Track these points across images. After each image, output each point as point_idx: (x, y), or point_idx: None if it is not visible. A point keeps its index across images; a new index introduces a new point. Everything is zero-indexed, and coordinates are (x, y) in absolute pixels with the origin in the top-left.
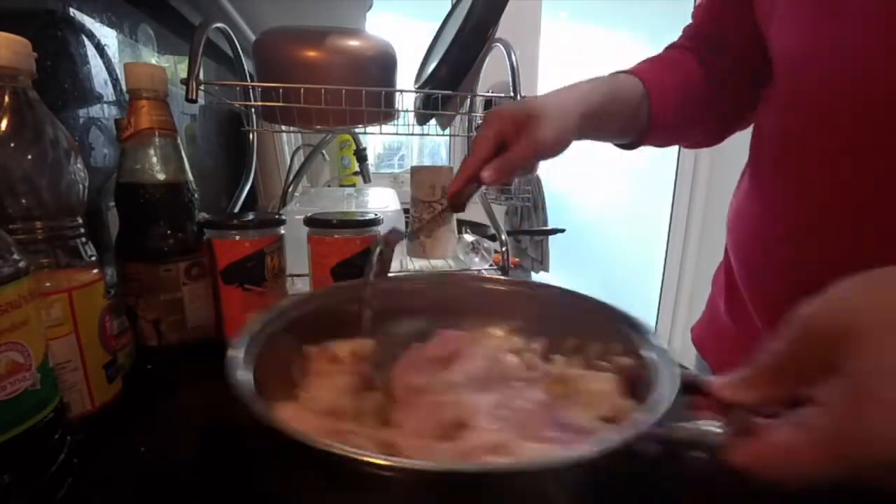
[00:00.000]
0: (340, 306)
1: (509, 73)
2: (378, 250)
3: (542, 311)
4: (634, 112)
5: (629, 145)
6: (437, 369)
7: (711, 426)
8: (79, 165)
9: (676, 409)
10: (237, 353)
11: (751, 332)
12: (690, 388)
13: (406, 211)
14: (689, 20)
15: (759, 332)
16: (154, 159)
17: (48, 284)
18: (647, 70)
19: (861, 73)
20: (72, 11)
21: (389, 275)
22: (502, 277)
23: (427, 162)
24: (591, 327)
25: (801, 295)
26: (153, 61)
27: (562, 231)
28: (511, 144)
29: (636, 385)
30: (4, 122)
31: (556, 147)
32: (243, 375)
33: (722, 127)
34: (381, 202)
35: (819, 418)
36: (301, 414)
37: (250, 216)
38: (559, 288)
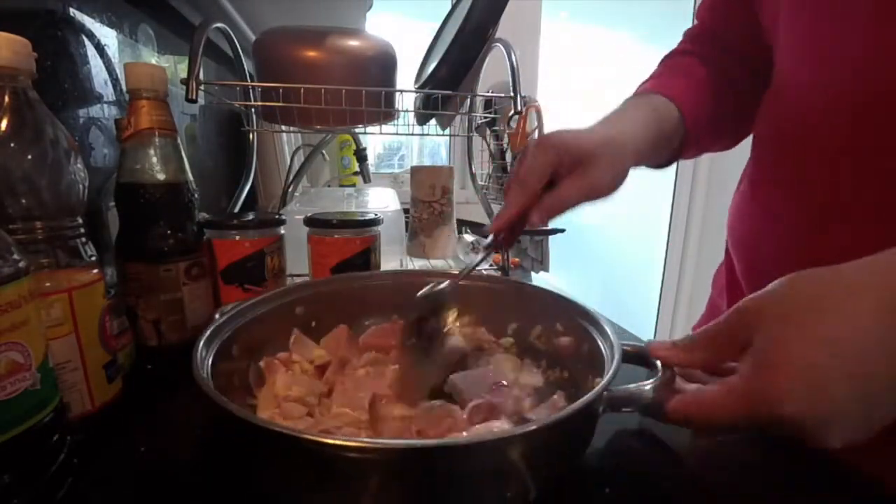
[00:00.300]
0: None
1: (509, 73)
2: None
3: (498, 302)
4: (672, 137)
5: (658, 166)
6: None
7: (643, 387)
8: (79, 165)
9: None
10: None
11: None
12: (634, 357)
13: (406, 211)
14: (688, 20)
15: None
16: (154, 159)
17: (48, 284)
18: (672, 87)
19: (861, 73)
20: (72, 11)
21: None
22: (458, 272)
23: (427, 162)
24: (539, 314)
25: None
26: (153, 61)
27: (562, 231)
28: (562, 180)
29: (574, 358)
30: (4, 122)
31: (609, 191)
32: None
33: (732, 128)
34: (381, 202)
35: (735, 380)
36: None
37: (250, 216)
38: (519, 282)
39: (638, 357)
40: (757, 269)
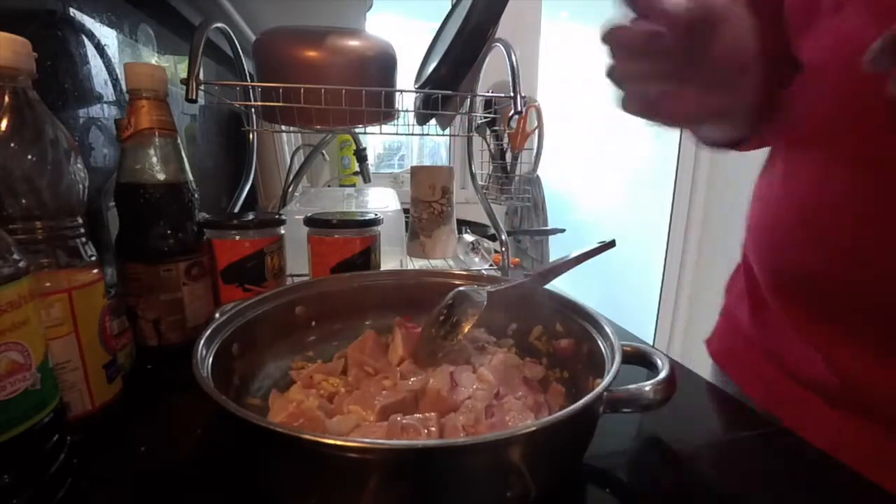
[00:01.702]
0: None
1: (509, 73)
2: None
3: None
4: None
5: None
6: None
7: (643, 387)
8: (79, 165)
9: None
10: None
11: (777, 336)
12: (634, 357)
13: (406, 211)
14: None
15: (788, 334)
16: (154, 159)
17: (48, 284)
18: None
19: None
20: (72, 11)
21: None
22: (459, 272)
23: (427, 162)
24: (539, 314)
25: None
26: (153, 61)
27: (562, 231)
28: None
29: (574, 359)
30: (4, 122)
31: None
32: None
33: None
34: (381, 202)
35: None
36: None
37: (250, 216)
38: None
39: (638, 357)
40: (785, 278)
